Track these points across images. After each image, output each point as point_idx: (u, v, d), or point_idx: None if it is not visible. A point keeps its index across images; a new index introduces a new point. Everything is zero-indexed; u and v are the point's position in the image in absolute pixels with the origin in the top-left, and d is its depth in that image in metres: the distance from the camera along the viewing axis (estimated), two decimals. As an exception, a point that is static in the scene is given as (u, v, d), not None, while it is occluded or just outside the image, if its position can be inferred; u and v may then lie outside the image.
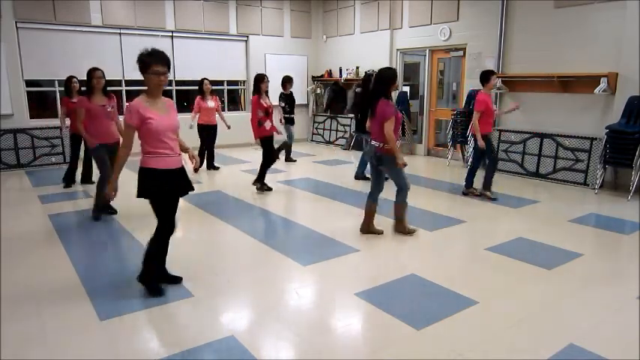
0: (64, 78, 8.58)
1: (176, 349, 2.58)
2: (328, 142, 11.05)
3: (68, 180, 6.76)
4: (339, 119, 10.82)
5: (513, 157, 7.35)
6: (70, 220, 5.19)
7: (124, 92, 9.18)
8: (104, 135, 4.88)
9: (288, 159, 8.62)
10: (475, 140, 5.73)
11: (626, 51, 6.04)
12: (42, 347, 2.61)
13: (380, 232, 4.50)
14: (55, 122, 8.45)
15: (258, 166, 6.28)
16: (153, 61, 3.02)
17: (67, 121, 6.70)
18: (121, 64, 9.02)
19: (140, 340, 2.70)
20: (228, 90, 10.67)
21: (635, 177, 5.77)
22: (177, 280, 3.44)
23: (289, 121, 8.18)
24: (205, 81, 7.63)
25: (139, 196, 3.11)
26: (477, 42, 7.96)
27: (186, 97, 10.18)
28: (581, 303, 3.13)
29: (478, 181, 5.97)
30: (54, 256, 4.01)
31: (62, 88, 8.62)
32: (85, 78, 4.97)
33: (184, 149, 3.37)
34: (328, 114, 11.11)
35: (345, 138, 10.45)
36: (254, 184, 6.32)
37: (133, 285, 3.42)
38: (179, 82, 9.71)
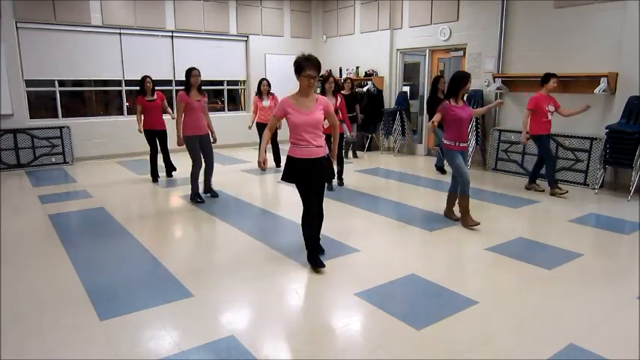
0: (64, 78, 8.68)
1: (176, 349, 2.58)
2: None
3: (153, 174, 7.02)
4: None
5: (513, 157, 7.35)
6: (70, 220, 5.19)
7: (123, 92, 9.17)
8: (198, 127, 5.49)
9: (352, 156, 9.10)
10: (537, 140, 5.96)
11: (626, 51, 6.04)
12: (42, 347, 2.61)
13: (456, 219, 4.89)
14: (55, 122, 8.52)
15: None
16: (307, 66, 3.42)
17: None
18: (121, 64, 9.01)
19: (140, 340, 2.69)
20: (228, 90, 10.66)
21: (635, 177, 5.76)
22: (319, 254, 3.84)
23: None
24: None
25: (282, 178, 3.69)
26: (477, 42, 7.96)
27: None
28: (581, 303, 3.13)
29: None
30: (54, 256, 4.01)
31: (63, 88, 8.69)
32: (185, 77, 5.56)
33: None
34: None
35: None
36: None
37: (133, 285, 3.43)
38: (179, 83, 9.69)
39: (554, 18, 6.84)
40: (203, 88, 5.73)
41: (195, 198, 5.70)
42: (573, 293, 3.29)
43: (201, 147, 5.62)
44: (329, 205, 5.69)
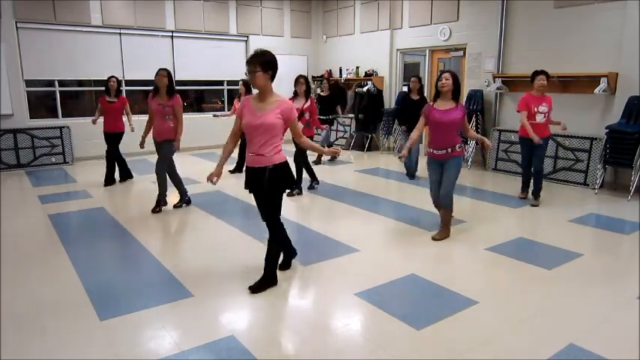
0: (64, 78, 8.67)
1: (176, 349, 2.58)
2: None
3: (108, 180, 6.77)
4: (339, 119, 10.80)
5: (513, 157, 7.35)
6: (70, 220, 5.20)
7: (123, 92, 9.09)
8: (155, 132, 5.27)
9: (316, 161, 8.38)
10: (519, 141, 5.72)
11: (626, 51, 6.04)
12: (42, 347, 2.61)
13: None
14: (55, 122, 8.52)
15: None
16: (247, 62, 3.25)
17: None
18: (121, 64, 9.00)
19: (140, 340, 2.70)
20: (228, 90, 10.66)
21: (635, 177, 5.77)
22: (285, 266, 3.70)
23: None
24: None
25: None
26: (477, 42, 7.96)
27: (186, 96, 10.20)
28: (581, 303, 3.13)
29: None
30: (54, 256, 4.01)
31: (63, 88, 8.69)
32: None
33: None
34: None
35: (345, 138, 10.45)
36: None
37: (133, 285, 3.43)
38: (179, 83, 9.68)
39: (554, 18, 6.84)
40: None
41: (183, 198, 5.56)
42: (573, 293, 3.29)
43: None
44: (330, 204, 5.70)
